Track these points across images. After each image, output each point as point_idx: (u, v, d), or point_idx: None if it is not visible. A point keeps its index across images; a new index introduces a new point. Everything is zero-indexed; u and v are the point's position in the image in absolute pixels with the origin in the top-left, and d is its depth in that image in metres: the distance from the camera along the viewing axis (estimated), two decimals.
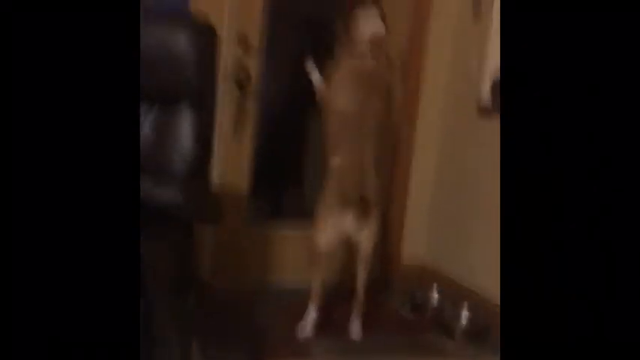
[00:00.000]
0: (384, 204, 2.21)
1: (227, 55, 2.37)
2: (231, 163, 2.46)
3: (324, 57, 2.22)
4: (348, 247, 2.16)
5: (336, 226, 2.05)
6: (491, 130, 2.13)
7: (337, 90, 2.13)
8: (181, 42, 1.84)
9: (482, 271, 2.26)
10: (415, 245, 2.68)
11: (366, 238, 2.08)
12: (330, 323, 2.10)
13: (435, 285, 2.45)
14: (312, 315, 2.10)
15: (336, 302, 2.21)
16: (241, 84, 2.40)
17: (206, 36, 1.90)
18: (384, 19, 2.17)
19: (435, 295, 2.45)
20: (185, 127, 1.88)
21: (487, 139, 2.29)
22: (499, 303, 0.92)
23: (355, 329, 2.13)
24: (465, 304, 2.25)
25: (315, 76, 2.20)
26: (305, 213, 2.59)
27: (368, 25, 2.14)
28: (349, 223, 2.04)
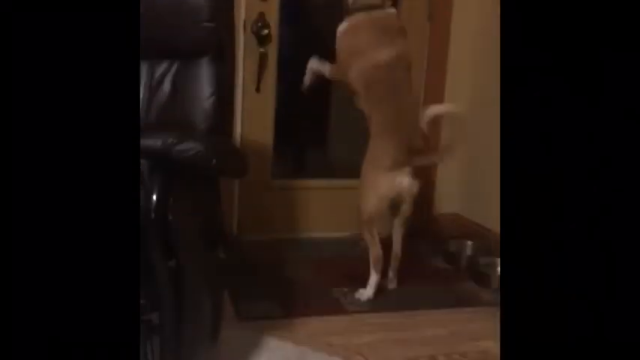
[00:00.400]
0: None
1: (246, 7, 2.31)
2: (255, 116, 2.43)
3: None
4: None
5: (390, 187, 1.99)
6: None
7: (360, 45, 2.00)
8: None
9: None
10: (448, 194, 2.63)
11: (411, 194, 2.02)
12: (363, 276, 2.08)
13: (468, 234, 2.41)
14: (374, 279, 2.07)
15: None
16: (261, 36, 2.33)
17: None
18: None
19: (469, 244, 2.41)
20: (206, 81, 1.88)
21: None
22: None
23: (392, 285, 2.15)
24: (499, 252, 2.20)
25: (324, 68, 2.10)
26: (329, 165, 2.56)
27: None
28: (404, 181, 1.98)
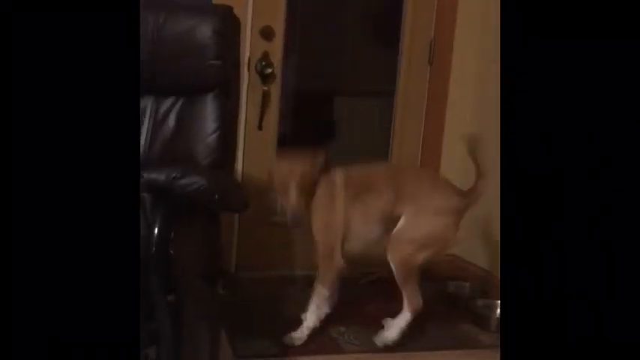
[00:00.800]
0: None
1: (251, 46, 2.35)
2: (256, 153, 2.44)
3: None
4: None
5: (454, 233, 1.99)
6: None
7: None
8: (205, 31, 1.84)
9: None
10: None
11: None
12: (363, 315, 2.07)
13: (466, 276, 2.40)
14: (404, 320, 1.99)
15: (369, 295, 2.18)
16: (265, 74, 2.37)
17: (228, 24, 1.90)
18: None
19: (467, 286, 2.40)
20: (210, 117, 1.90)
21: None
22: None
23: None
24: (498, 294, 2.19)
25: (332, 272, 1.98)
26: None
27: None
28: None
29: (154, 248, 1.41)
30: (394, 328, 1.98)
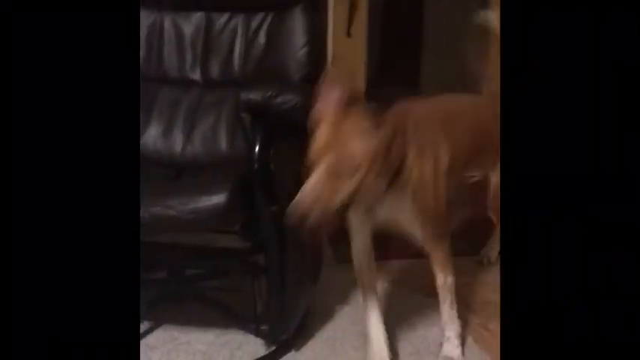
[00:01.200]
0: None
1: None
2: (346, 63, 2.42)
3: None
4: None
5: None
6: None
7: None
8: None
9: None
10: None
11: None
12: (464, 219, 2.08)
13: None
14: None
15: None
16: None
17: None
18: None
19: None
20: (299, 31, 1.90)
21: None
22: None
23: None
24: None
25: None
26: None
27: None
28: None
29: (256, 165, 1.49)
30: (495, 247, 2.04)
